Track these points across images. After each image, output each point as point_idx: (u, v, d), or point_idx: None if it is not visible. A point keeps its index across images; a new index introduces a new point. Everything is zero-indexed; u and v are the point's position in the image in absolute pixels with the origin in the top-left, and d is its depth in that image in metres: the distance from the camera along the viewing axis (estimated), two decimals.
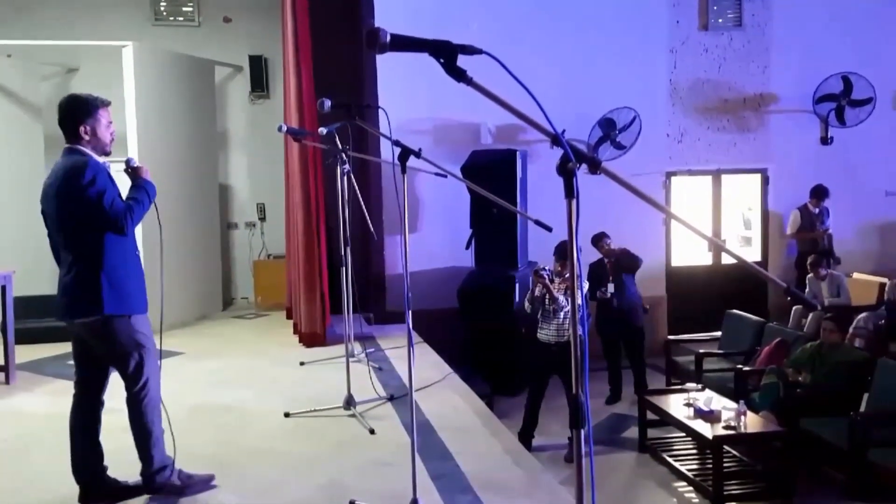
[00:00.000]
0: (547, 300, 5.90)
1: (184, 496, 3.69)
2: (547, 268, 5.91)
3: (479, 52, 1.73)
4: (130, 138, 7.35)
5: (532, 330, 6.17)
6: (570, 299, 5.70)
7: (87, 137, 3.41)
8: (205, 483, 3.78)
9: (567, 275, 5.85)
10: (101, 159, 3.46)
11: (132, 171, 3.55)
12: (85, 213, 3.32)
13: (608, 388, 7.53)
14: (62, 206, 3.37)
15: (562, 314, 5.84)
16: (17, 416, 5.13)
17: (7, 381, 5.91)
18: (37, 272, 8.07)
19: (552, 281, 5.84)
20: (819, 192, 9.01)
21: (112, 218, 3.32)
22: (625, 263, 7.36)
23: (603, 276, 7.35)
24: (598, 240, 7.37)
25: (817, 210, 9.06)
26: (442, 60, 1.71)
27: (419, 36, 1.73)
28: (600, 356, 7.49)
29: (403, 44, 1.72)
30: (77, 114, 3.40)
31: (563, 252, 5.94)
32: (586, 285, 6.18)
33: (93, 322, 3.42)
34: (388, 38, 1.71)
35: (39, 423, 4.94)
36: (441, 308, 7.66)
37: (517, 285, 7.55)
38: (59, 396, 5.57)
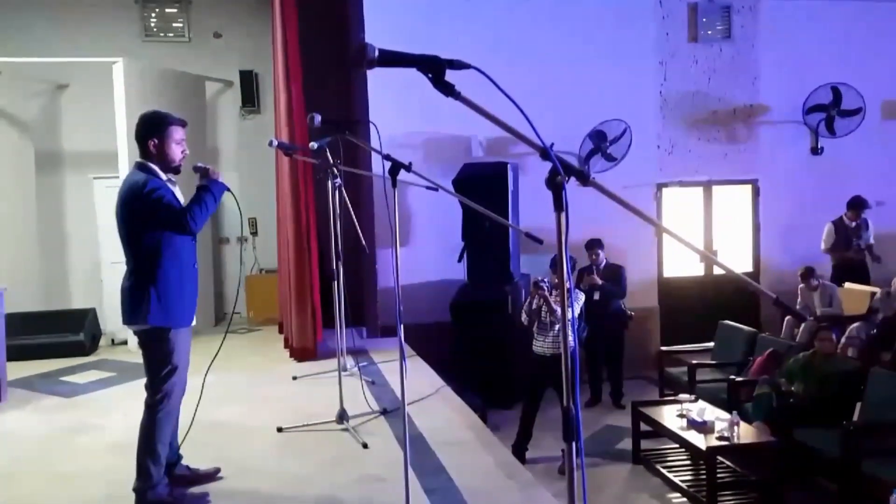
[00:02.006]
0: (543, 312, 5.90)
1: None
2: (546, 280, 5.91)
3: (468, 66, 1.74)
4: (121, 154, 7.34)
5: (526, 342, 6.16)
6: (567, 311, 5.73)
7: (154, 152, 3.58)
8: (198, 502, 3.76)
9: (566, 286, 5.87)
10: (165, 177, 3.61)
11: (200, 172, 3.68)
12: (145, 220, 3.48)
13: (589, 393, 7.76)
14: (123, 216, 3.54)
15: (558, 326, 5.84)
16: (8, 435, 5.09)
17: None
18: (28, 289, 8.06)
19: (550, 293, 5.84)
20: (856, 205, 8.59)
21: (173, 217, 3.46)
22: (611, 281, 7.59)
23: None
24: (591, 247, 7.50)
25: (854, 224, 8.62)
26: (430, 76, 1.71)
27: (408, 51, 1.74)
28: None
29: (391, 59, 1.73)
30: (146, 130, 3.59)
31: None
32: (582, 297, 6.17)
33: (138, 329, 3.63)
34: (377, 53, 1.72)
35: (32, 442, 4.92)
36: (434, 321, 7.65)
37: (510, 298, 7.55)
38: (51, 414, 5.56)
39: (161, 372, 3.61)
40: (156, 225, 3.48)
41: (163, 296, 3.52)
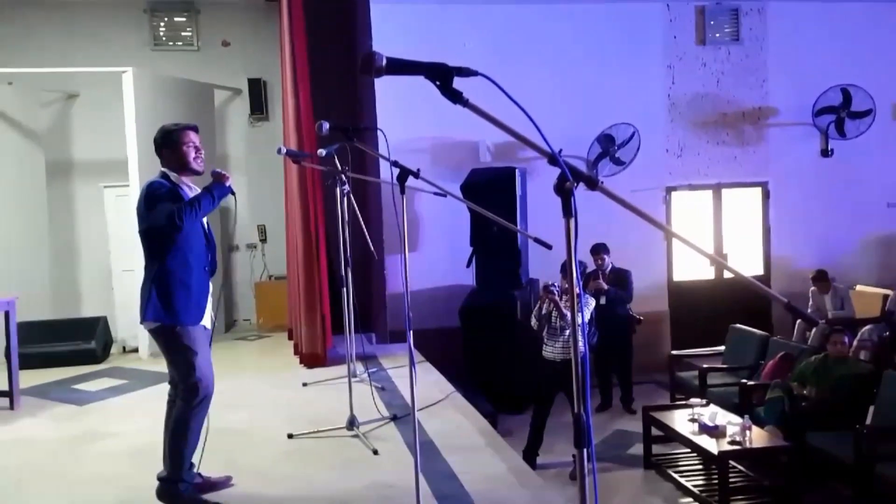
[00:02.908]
0: (554, 318, 5.88)
1: None
2: (556, 284, 5.89)
3: (475, 73, 1.74)
4: (131, 163, 7.39)
5: (536, 346, 6.14)
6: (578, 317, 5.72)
7: (169, 159, 3.77)
8: None
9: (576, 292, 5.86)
10: (186, 182, 3.77)
11: (214, 176, 3.80)
12: (147, 217, 3.61)
13: (600, 397, 7.75)
14: (137, 218, 3.68)
15: (568, 332, 5.83)
16: (21, 443, 5.11)
17: (11, 407, 5.89)
18: (39, 298, 8.10)
19: (561, 298, 5.83)
20: None
21: (165, 212, 3.53)
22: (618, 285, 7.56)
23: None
24: (597, 251, 7.46)
25: None
26: (438, 83, 1.71)
27: (415, 59, 1.74)
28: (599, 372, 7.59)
29: (399, 67, 1.73)
30: (159, 143, 3.79)
31: None
32: (592, 303, 6.15)
33: (146, 327, 3.72)
34: (384, 62, 1.72)
35: (44, 449, 4.93)
36: (443, 327, 7.65)
37: (518, 303, 7.54)
38: (62, 421, 5.58)
39: (179, 369, 3.70)
40: (154, 222, 3.58)
41: (163, 294, 3.61)
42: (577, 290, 1.85)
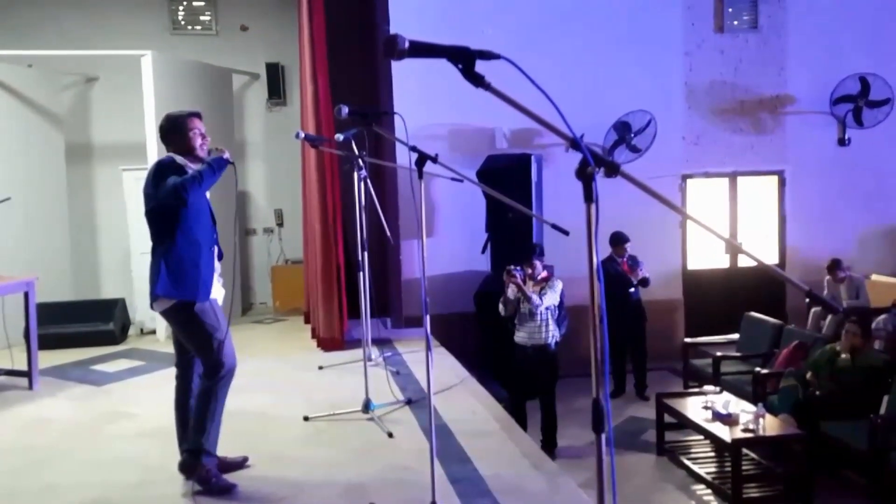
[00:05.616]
0: (522, 302, 5.87)
1: (205, 494, 3.75)
2: (518, 267, 5.86)
3: (497, 57, 1.74)
4: (150, 146, 7.43)
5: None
6: (543, 299, 5.69)
7: (176, 146, 3.82)
8: (226, 489, 3.82)
9: (539, 277, 5.87)
10: (193, 167, 3.77)
11: (214, 151, 3.84)
12: (153, 196, 3.66)
13: (614, 383, 7.73)
14: (144, 198, 3.73)
15: (538, 316, 5.81)
16: (40, 423, 5.19)
17: (30, 387, 5.98)
18: (59, 279, 8.18)
19: (524, 282, 5.80)
20: None
21: (170, 188, 3.57)
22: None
23: (616, 273, 7.45)
24: (622, 241, 7.43)
25: None
26: (460, 66, 1.72)
27: (435, 42, 1.75)
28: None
29: (422, 50, 1.74)
30: (166, 132, 3.85)
31: (531, 254, 5.95)
32: (559, 286, 6.02)
33: (158, 308, 3.76)
34: (407, 44, 1.73)
35: (63, 429, 5.00)
36: (457, 312, 7.67)
37: None
38: (80, 402, 5.66)
39: (200, 349, 3.75)
40: (162, 199, 3.61)
41: (174, 271, 3.66)
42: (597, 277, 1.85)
